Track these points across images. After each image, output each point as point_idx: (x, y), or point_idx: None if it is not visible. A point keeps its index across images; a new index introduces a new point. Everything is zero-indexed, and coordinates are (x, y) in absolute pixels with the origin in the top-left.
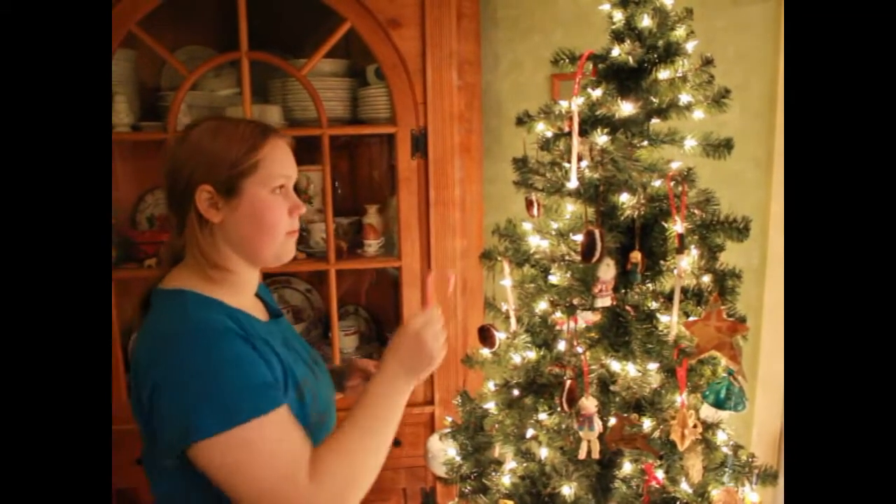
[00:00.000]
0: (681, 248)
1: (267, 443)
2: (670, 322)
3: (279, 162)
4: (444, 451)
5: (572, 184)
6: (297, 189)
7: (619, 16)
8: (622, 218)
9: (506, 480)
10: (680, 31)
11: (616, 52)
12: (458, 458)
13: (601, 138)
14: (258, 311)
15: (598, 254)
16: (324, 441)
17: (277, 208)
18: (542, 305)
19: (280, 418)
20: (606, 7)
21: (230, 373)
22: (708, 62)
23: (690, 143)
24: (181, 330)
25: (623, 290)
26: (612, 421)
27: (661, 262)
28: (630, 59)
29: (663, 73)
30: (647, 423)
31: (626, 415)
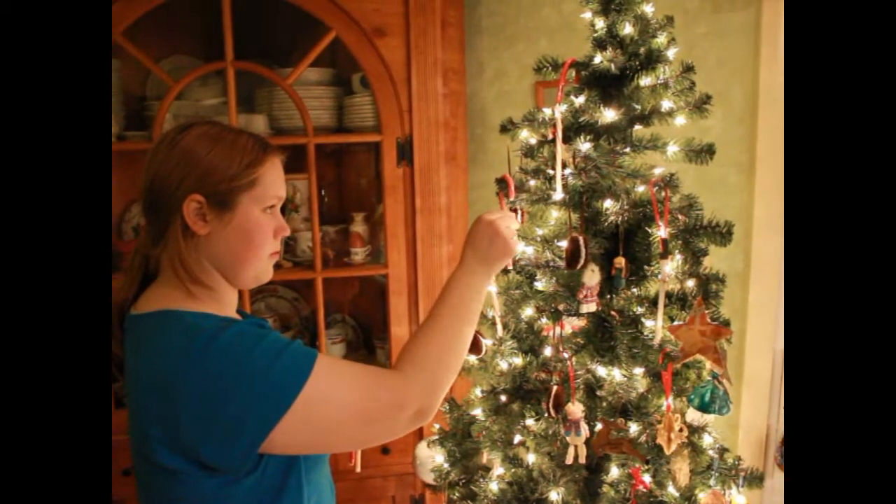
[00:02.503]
0: (664, 253)
1: (337, 373)
2: (655, 326)
3: (275, 181)
4: (432, 458)
5: (558, 195)
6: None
7: (600, 24)
8: (606, 224)
9: (494, 487)
10: (661, 39)
11: (598, 59)
12: (446, 465)
13: (584, 145)
14: None
15: (582, 260)
16: (411, 336)
17: (266, 228)
18: (528, 311)
19: (325, 355)
20: (588, 15)
21: (270, 346)
22: (688, 69)
23: (673, 148)
24: (201, 339)
25: (608, 296)
26: (599, 426)
27: (646, 267)
28: (612, 66)
29: (645, 80)
30: (634, 428)
31: (612, 419)
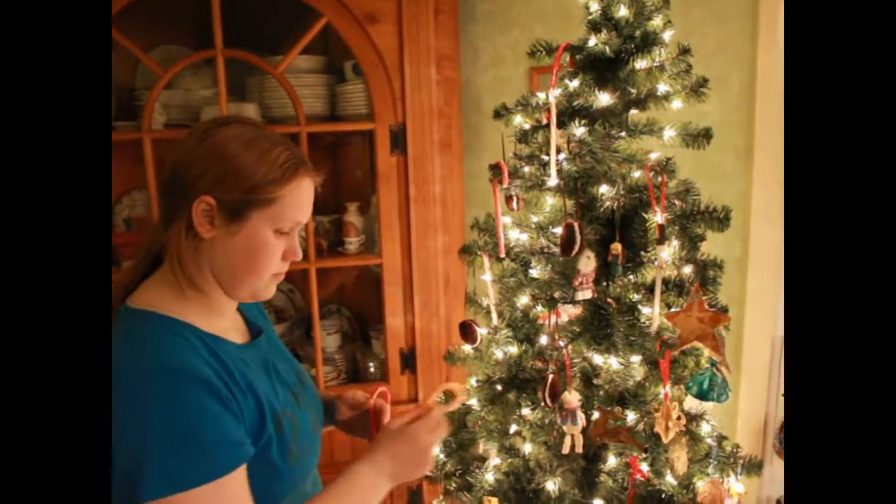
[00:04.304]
0: (661, 239)
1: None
2: (652, 314)
3: (297, 206)
4: None
5: (552, 181)
6: None
7: (595, 6)
8: (602, 210)
9: (490, 477)
10: (657, 21)
11: (593, 42)
12: (442, 456)
13: (579, 129)
14: (236, 333)
15: (577, 246)
16: None
17: (273, 251)
18: (523, 300)
19: (233, 483)
20: None
21: (181, 429)
22: (685, 51)
23: (669, 133)
24: (137, 368)
25: (604, 283)
26: (596, 415)
27: (642, 253)
28: (607, 48)
29: (641, 63)
30: (631, 416)
31: (609, 408)
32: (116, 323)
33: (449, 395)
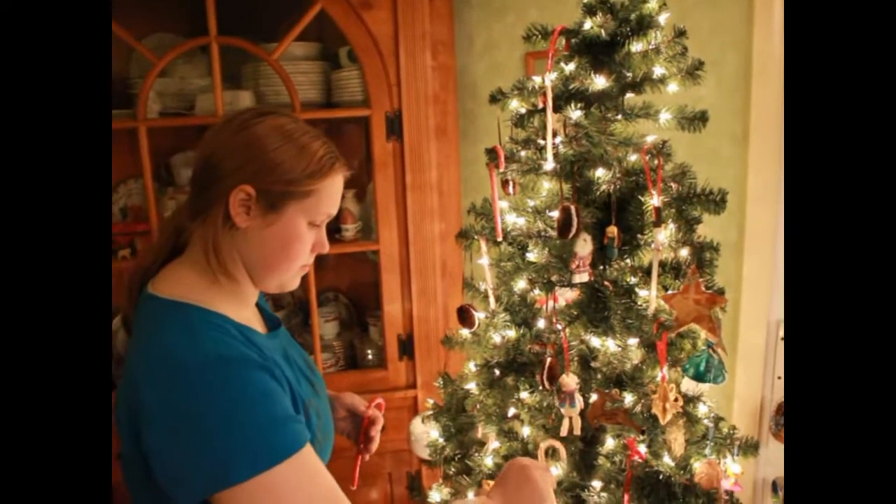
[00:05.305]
0: (658, 222)
1: (302, 481)
2: (649, 296)
3: (331, 199)
4: (427, 434)
5: (549, 165)
6: None
7: None
8: (598, 193)
9: (489, 461)
10: (652, 4)
11: (588, 25)
12: (441, 441)
13: (575, 113)
14: (258, 325)
15: (574, 229)
16: None
17: (306, 242)
18: (520, 283)
19: (310, 452)
20: None
21: (254, 410)
22: (680, 33)
23: (665, 116)
24: (194, 361)
25: (601, 266)
26: (594, 397)
27: (639, 236)
28: (602, 32)
29: (636, 46)
30: (629, 399)
31: (607, 391)
32: (142, 311)
33: (554, 452)
